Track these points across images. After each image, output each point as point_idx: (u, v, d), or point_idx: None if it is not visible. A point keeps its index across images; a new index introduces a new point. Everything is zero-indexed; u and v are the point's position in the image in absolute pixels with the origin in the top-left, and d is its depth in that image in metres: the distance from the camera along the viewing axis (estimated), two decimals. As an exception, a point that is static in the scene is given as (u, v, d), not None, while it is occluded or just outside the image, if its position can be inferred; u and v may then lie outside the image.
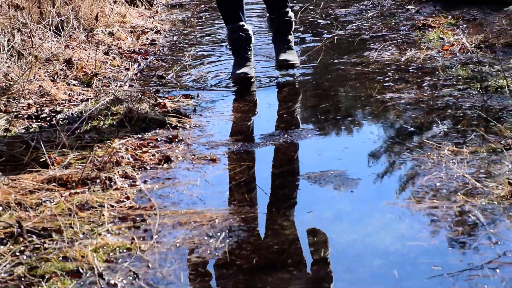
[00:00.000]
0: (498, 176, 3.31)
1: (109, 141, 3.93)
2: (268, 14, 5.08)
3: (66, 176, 3.47)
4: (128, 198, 3.31)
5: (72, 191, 3.36)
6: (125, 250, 2.88)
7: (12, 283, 2.67)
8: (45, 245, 2.91)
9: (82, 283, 2.67)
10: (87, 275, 2.71)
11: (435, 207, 3.12)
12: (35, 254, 2.85)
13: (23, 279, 2.69)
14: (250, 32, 4.94)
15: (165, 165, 3.70)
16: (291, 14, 4.98)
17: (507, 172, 3.33)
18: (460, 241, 2.86)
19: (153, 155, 3.80)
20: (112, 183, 3.43)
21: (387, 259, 2.79)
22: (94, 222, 3.09)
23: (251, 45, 5.00)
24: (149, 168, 3.67)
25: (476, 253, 2.77)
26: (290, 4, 5.05)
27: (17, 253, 2.85)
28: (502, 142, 3.66)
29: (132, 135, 4.04)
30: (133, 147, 3.88)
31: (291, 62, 4.87)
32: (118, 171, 3.54)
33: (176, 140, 4.02)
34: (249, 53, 4.96)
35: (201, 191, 3.41)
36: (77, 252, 2.83)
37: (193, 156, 3.81)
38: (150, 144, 3.95)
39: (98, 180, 3.45)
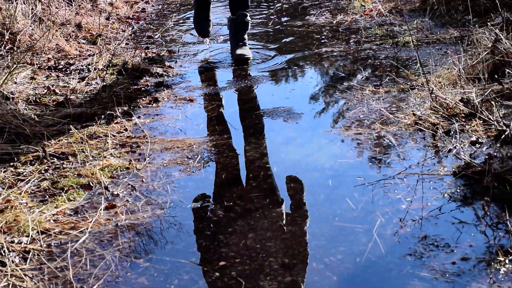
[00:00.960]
0: (405, 109, 3.31)
1: (110, 86, 3.86)
2: (230, 15, 4.44)
3: (78, 113, 3.42)
4: (126, 129, 3.27)
5: (83, 124, 3.32)
6: (124, 169, 2.86)
7: (39, 193, 2.66)
8: (63, 165, 2.89)
9: (92, 193, 2.66)
10: (96, 187, 2.70)
11: (359, 134, 3.13)
12: (56, 172, 2.83)
13: (47, 190, 2.68)
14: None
15: (154, 105, 3.65)
16: (248, 18, 4.37)
17: (412, 106, 3.33)
18: (378, 158, 2.88)
19: (145, 96, 3.75)
20: (113, 118, 3.38)
21: (324, 173, 2.80)
22: (101, 148, 3.06)
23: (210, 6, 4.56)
24: (141, 107, 3.61)
25: (389, 167, 2.80)
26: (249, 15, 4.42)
27: (42, 171, 2.83)
28: (408, 83, 3.67)
29: (128, 81, 3.97)
30: (129, 91, 3.81)
31: (246, 56, 4.30)
32: (118, 109, 3.48)
33: (162, 85, 3.96)
34: (208, 13, 4.56)
35: (182, 124, 3.38)
36: (88, 171, 2.81)
37: (175, 97, 3.77)
38: (142, 88, 3.89)
39: (103, 116, 3.40)
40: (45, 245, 2.30)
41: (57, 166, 2.88)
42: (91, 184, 2.72)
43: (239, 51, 4.30)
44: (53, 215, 2.48)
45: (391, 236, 2.29)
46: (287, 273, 2.14)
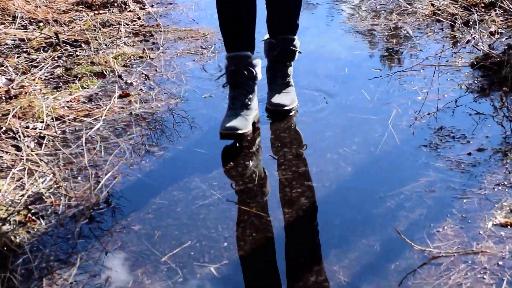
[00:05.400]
0: None
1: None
2: (267, 37, 2.45)
3: (91, 0, 3.30)
4: (139, 18, 3.16)
5: (96, 12, 3.21)
6: (138, 58, 2.78)
7: (53, 80, 2.60)
8: (76, 53, 2.81)
9: (106, 81, 2.59)
10: (110, 76, 2.63)
11: (376, 24, 3.01)
12: (69, 60, 2.76)
13: (61, 77, 2.61)
14: (257, 68, 2.27)
15: (167, -7, 3.52)
16: (297, 42, 2.40)
17: (431, -3, 3.20)
18: (394, 50, 2.79)
19: (158, -16, 3.60)
20: (126, 7, 3.27)
21: (339, 63, 2.71)
22: (114, 36, 2.96)
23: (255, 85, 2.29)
24: (155, -6, 3.48)
25: (406, 58, 2.72)
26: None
27: (56, 58, 2.75)
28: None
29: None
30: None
31: (285, 108, 2.35)
32: (131, -4, 3.37)
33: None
34: (250, 98, 2.25)
35: (195, 13, 3.27)
36: (101, 59, 2.73)
37: (188, -16, 3.62)
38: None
39: (115, 4, 3.28)
40: (59, 132, 2.26)
41: (70, 53, 2.80)
42: (104, 72, 2.64)
43: (276, 99, 2.37)
44: (67, 102, 2.43)
45: (406, 127, 2.23)
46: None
